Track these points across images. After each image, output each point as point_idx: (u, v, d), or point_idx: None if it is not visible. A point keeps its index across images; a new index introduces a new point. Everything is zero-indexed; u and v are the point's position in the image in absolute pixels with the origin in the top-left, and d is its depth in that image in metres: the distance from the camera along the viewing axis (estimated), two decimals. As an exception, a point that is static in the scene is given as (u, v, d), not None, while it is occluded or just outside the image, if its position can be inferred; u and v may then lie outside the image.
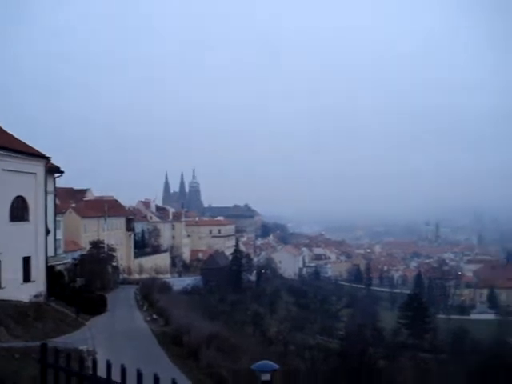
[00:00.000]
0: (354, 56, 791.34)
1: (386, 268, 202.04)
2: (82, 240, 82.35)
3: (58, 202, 56.91)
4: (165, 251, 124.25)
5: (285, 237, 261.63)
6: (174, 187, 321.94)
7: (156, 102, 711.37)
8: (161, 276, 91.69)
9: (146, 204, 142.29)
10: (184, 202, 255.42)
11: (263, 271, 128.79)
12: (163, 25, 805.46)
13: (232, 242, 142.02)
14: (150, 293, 58.08)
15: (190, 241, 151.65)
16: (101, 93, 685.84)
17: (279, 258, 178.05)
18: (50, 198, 45.05)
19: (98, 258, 64.48)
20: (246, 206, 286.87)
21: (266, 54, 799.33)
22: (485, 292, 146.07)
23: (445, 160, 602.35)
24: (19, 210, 38.48)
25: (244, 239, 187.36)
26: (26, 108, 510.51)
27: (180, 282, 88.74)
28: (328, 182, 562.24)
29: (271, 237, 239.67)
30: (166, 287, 68.87)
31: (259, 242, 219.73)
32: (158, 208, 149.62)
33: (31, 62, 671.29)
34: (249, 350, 34.40)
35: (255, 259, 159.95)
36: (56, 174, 47.51)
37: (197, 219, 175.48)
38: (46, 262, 41.43)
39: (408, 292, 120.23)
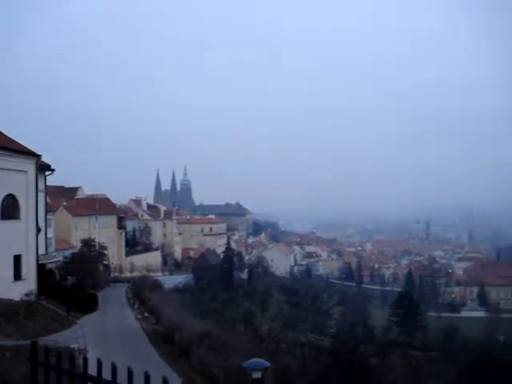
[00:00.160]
0: (354, 56, 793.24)
1: (377, 266, 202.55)
2: (73, 238, 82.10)
3: (49, 200, 56.71)
4: (156, 249, 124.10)
5: (276, 235, 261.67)
6: (166, 185, 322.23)
7: (150, 102, 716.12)
8: (152, 274, 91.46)
9: (138, 202, 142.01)
10: (175, 200, 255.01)
11: (253, 269, 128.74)
12: (163, 25, 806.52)
13: (223, 241, 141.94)
14: (142, 291, 57.97)
15: (182, 239, 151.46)
16: (96, 92, 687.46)
17: (271, 256, 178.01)
18: (41, 196, 44.85)
19: (89, 257, 64.24)
20: (238, 204, 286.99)
21: (266, 54, 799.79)
22: (475, 290, 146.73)
23: (435, 159, 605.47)
24: (10, 209, 38.32)
25: (235, 237, 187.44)
26: (17, 106, 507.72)
27: (171, 281, 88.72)
28: (319, 181, 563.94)
29: (263, 235, 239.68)
30: (157, 285, 68.72)
31: (251, 240, 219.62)
32: (149, 206, 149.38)
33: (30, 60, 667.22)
34: (240, 347, 34.40)
35: (247, 257, 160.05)
36: (47, 172, 47.28)
37: (188, 217, 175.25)
38: (37, 260, 41.28)
39: (399, 290, 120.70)
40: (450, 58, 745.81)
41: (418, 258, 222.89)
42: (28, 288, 38.43)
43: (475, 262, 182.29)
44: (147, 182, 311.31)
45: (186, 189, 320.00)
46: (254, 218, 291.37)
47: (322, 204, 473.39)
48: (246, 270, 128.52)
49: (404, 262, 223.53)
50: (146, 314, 45.01)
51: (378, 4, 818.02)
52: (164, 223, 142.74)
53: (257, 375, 11.29)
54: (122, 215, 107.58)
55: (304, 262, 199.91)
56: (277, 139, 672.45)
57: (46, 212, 50.06)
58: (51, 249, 59.25)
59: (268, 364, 11.30)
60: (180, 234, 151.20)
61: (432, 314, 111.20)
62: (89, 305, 45.42)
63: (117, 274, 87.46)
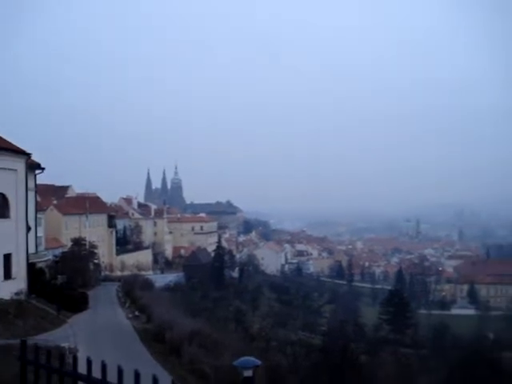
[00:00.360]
0: (354, 56, 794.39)
1: (367, 264, 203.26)
2: (64, 237, 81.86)
3: (39, 198, 56.48)
4: (147, 248, 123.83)
5: (267, 233, 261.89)
6: (156, 184, 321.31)
7: (142, 102, 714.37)
8: (143, 273, 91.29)
9: (128, 201, 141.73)
10: (166, 199, 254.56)
11: (244, 267, 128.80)
12: (163, 25, 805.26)
13: (214, 239, 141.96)
14: (132, 290, 57.81)
15: (172, 237, 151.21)
16: (89, 91, 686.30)
17: (261, 254, 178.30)
18: (31, 194, 44.66)
19: (79, 255, 64.03)
20: (228, 202, 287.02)
21: (266, 54, 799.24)
22: (465, 287, 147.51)
23: (426, 158, 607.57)
24: (0, 207, 38.19)
25: (226, 236, 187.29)
26: (8, 105, 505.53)
27: (162, 279, 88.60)
28: (310, 179, 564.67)
29: (253, 233, 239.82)
30: (148, 284, 68.54)
31: (241, 238, 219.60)
32: (139, 205, 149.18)
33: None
34: (231, 346, 34.41)
35: (237, 256, 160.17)
36: (37, 171, 47.06)
37: (179, 216, 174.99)
38: (27, 259, 41.10)
39: (389, 288, 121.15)
40: (449, 58, 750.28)
41: (408, 256, 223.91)
42: (18, 287, 38.27)
43: (465, 260, 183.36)
44: (138, 181, 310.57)
45: (177, 187, 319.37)
46: (245, 216, 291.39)
47: (312, 202, 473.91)
48: (237, 268, 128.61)
49: (394, 260, 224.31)
50: (136, 313, 44.90)
51: (378, 3, 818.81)
52: (155, 222, 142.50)
53: (248, 373, 11.28)
54: (112, 214, 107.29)
55: (295, 261, 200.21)
56: (269, 139, 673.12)
57: (36, 211, 49.88)
58: (41, 248, 59.08)
59: (259, 362, 11.28)
60: (171, 232, 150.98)
61: (422, 311, 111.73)
62: (79, 304, 45.26)
63: (107, 272, 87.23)
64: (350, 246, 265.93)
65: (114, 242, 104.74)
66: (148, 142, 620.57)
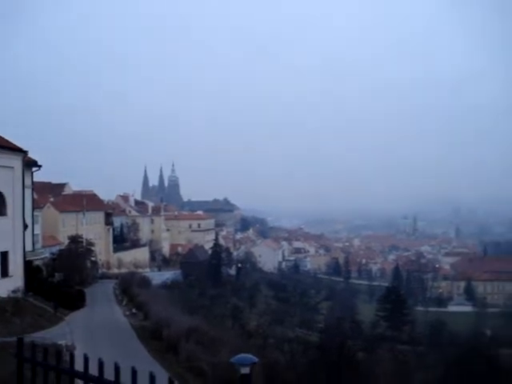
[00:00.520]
0: (353, 54, 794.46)
1: (364, 261, 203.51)
2: (61, 235, 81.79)
3: (35, 196, 56.43)
4: (144, 245, 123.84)
5: (264, 231, 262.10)
6: (153, 181, 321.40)
7: (142, 100, 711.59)
8: (140, 270, 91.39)
9: (125, 198, 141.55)
10: (163, 196, 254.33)
11: (240, 265, 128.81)
12: (163, 25, 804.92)
13: (211, 236, 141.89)
14: (129, 287, 57.86)
15: (170, 235, 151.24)
16: (88, 88, 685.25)
17: (259, 251, 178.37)
18: (28, 192, 44.61)
19: (76, 253, 64.01)
20: (226, 200, 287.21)
21: (266, 54, 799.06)
22: (462, 284, 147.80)
23: (423, 155, 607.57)
24: (-4, 205, 38.13)
25: (223, 233, 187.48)
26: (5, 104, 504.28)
27: (159, 277, 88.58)
28: (308, 177, 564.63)
29: (251, 231, 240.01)
30: (145, 281, 68.62)
31: (239, 236, 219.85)
32: (136, 202, 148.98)
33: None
34: (228, 343, 34.41)
35: (235, 253, 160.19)
36: (34, 168, 47.04)
37: (176, 213, 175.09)
38: (24, 256, 41.07)
39: (386, 285, 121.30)
40: (449, 58, 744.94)
41: (405, 254, 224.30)
42: (15, 285, 38.25)
43: (462, 257, 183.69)
44: (135, 178, 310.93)
45: (174, 185, 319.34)
46: (242, 213, 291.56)
47: (310, 200, 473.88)
48: (234, 265, 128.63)
49: (391, 257, 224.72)
50: (133, 310, 44.95)
51: (378, 3, 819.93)
52: (152, 219, 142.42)
53: (245, 370, 11.27)
54: (109, 211, 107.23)
55: (292, 258, 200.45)
56: (267, 137, 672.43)
57: (33, 208, 49.84)
58: (38, 245, 58.99)
59: (256, 359, 11.26)
60: (168, 230, 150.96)
61: (419, 308, 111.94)
62: (76, 301, 45.30)
63: (104, 270, 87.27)
64: (347, 244, 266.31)
65: (111, 239, 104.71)
66: (145, 139, 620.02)
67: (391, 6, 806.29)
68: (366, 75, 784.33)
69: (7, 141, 39.27)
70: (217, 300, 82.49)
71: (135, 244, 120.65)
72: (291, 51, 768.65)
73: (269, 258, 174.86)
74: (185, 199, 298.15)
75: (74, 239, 70.18)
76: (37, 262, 50.56)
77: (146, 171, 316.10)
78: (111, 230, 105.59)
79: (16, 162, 39.87)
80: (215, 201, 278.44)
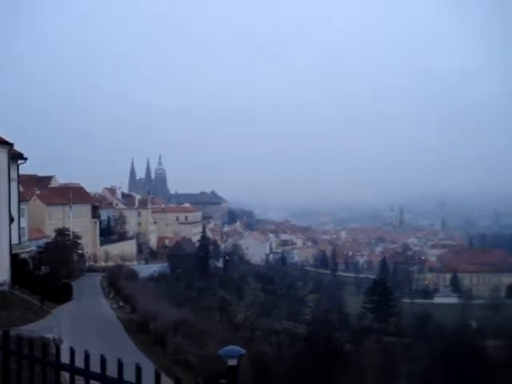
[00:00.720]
0: (353, 54, 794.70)
1: (351, 253, 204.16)
2: (47, 228, 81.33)
3: (21, 189, 56.08)
4: (131, 238, 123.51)
5: (251, 223, 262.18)
6: (140, 174, 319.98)
7: (126, 90, 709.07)
8: (127, 263, 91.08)
9: (112, 191, 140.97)
10: (150, 189, 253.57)
11: (227, 257, 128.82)
12: (163, 25, 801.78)
13: (199, 229, 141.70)
14: (117, 280, 57.74)
15: (157, 228, 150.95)
16: (71, 78, 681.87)
17: (246, 244, 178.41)
18: (14, 185, 44.32)
19: (63, 246, 63.77)
20: (213, 192, 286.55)
21: (266, 54, 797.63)
22: (448, 276, 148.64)
23: (410, 148, 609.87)
24: (-19, 198, 37.86)
25: (211, 226, 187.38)
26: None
27: (147, 269, 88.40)
28: (294, 169, 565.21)
29: (238, 223, 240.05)
30: (132, 274, 68.49)
31: (226, 228, 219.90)
32: (123, 195, 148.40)
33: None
34: (216, 335, 34.47)
35: (222, 246, 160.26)
36: (20, 161, 46.73)
37: (163, 206, 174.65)
38: (10, 250, 40.87)
39: (373, 277, 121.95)
40: (448, 58, 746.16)
41: (391, 246, 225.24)
42: (1, 278, 38.10)
43: (448, 250, 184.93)
44: (122, 171, 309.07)
45: (161, 177, 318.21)
46: (229, 206, 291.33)
47: (296, 192, 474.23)
48: (222, 258, 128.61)
49: (378, 249, 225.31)
50: (121, 303, 44.90)
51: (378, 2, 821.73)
52: (139, 212, 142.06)
53: (232, 362, 11.33)
54: (96, 204, 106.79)
55: (279, 250, 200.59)
56: (252, 129, 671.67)
57: (19, 201, 49.51)
58: (24, 238, 58.64)
59: (243, 351, 11.33)
60: (155, 222, 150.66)
61: (406, 300, 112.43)
62: (63, 294, 45.18)
63: (91, 263, 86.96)
64: (334, 236, 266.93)
65: (97, 232, 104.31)
66: (132, 132, 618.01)
67: (391, 6, 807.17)
68: (365, 75, 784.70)
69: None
70: (204, 292, 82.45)
71: (122, 237, 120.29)
72: (291, 51, 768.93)
73: (256, 250, 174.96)
74: (172, 192, 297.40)
75: (61, 232, 69.89)
76: (23, 255, 50.35)
77: (133, 164, 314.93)
78: (98, 223, 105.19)
79: (1, 155, 39.62)
80: (202, 193, 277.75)
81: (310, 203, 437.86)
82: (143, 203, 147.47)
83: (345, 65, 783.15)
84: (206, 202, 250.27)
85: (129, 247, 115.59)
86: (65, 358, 6.03)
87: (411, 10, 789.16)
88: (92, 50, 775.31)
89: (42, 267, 49.34)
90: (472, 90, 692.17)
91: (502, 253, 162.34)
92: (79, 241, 74.57)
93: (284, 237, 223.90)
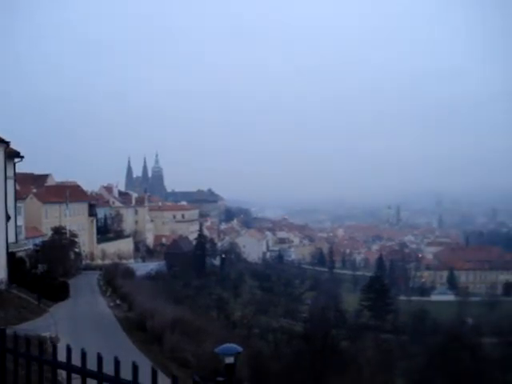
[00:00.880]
0: (353, 54, 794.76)
1: (348, 251, 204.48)
2: (44, 226, 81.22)
3: (18, 187, 56.01)
4: (128, 236, 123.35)
5: (248, 221, 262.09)
6: (137, 172, 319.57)
7: (124, 89, 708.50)
8: (124, 261, 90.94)
9: (109, 189, 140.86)
10: (147, 187, 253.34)
11: (224, 256, 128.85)
12: (163, 25, 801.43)
13: (196, 227, 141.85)
14: (114, 278, 57.61)
15: (154, 226, 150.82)
16: (70, 79, 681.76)
17: (243, 242, 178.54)
18: (10, 183, 44.21)
19: (59, 244, 63.59)
20: (210, 190, 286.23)
21: (265, 54, 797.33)
22: (445, 274, 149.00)
23: (407, 145, 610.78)
24: (-22, 196, 37.77)
25: (208, 224, 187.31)
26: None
27: (144, 268, 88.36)
28: (291, 167, 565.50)
29: (235, 221, 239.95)
30: (129, 273, 68.33)
31: (223, 226, 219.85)
32: (120, 193, 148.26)
33: None
34: (213, 333, 34.49)
35: (219, 244, 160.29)
36: (16, 159, 46.56)
37: (160, 204, 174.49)
38: (7, 248, 40.75)
39: (370, 274, 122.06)
40: (448, 58, 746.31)
41: (388, 243, 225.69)
42: (-2, 276, 38.00)
43: (445, 247, 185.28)
44: (118, 169, 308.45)
45: (158, 175, 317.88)
46: (226, 204, 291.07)
47: (294, 191, 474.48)
48: (219, 256, 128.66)
49: (375, 247, 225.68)
50: (118, 302, 44.83)
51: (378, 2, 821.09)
52: (136, 210, 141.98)
53: (229, 360, 11.35)
54: (93, 202, 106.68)
55: (276, 248, 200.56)
56: (250, 127, 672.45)
57: (16, 200, 49.41)
58: (21, 237, 58.61)
59: (240, 349, 11.34)
60: (152, 220, 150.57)
61: (402, 297, 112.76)
62: (60, 293, 45.06)
63: (88, 261, 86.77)
64: (331, 234, 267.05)
65: (94, 230, 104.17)
66: (128, 130, 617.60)
67: (391, 5, 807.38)
68: (366, 75, 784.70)
69: (-12, 131, 38.88)
70: (201, 291, 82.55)
71: (119, 235, 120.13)
72: (291, 51, 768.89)
73: (253, 248, 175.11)
74: (169, 190, 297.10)
75: (58, 230, 69.73)
76: (20, 254, 50.27)
77: (129, 162, 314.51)
78: (95, 221, 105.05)
79: (-2, 153, 39.50)
80: (199, 191, 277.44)
81: (306, 201, 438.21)
82: (140, 201, 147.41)
83: (345, 65, 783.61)
84: (202, 200, 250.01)
85: (126, 245, 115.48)
86: (61, 357, 6.03)
87: (411, 10, 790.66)
88: (92, 50, 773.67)
89: (39, 266, 49.17)
90: (472, 90, 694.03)
91: (499, 250, 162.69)
92: (76, 239, 74.34)
93: (281, 235, 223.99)
